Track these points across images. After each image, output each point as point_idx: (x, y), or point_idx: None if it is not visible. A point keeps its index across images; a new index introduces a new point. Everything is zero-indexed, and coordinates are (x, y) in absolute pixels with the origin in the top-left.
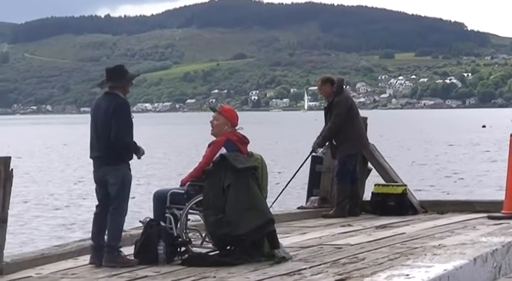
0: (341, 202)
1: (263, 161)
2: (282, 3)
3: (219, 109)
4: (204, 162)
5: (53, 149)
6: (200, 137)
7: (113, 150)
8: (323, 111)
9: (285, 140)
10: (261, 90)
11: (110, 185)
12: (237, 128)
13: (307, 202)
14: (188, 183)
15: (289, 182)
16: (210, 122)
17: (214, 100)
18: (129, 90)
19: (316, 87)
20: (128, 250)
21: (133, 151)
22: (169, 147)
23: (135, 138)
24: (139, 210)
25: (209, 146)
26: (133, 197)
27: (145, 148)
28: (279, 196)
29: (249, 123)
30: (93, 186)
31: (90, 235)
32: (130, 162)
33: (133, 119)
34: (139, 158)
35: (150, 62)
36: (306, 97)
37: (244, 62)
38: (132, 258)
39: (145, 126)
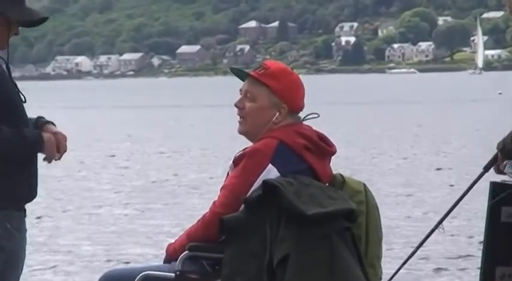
0: None
1: (369, 197)
2: None
3: (257, 71)
4: (224, 202)
5: None
6: (214, 142)
7: None
8: None
9: (423, 143)
10: (363, 21)
11: None
12: (301, 115)
13: None
14: (185, 253)
15: (429, 235)
16: (236, 105)
17: (246, 48)
18: (10, 35)
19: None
20: None
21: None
22: (137, 170)
23: None
24: None
25: (235, 163)
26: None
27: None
28: (402, 265)
29: (333, 104)
30: None
31: None
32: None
33: (22, 96)
34: (48, 159)
35: None
36: (479, 37)
37: None
38: None
39: (74, 113)
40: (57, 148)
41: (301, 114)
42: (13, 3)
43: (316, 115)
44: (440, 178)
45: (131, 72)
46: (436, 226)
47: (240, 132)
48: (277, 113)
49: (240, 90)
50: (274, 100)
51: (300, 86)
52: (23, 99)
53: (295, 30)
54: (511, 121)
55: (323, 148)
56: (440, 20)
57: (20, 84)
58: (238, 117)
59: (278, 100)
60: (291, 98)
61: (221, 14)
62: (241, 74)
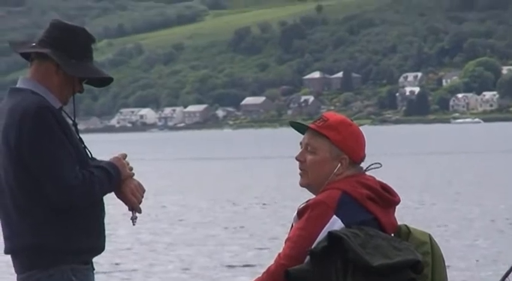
0: None
1: (435, 248)
2: None
3: (316, 123)
4: (289, 253)
5: None
6: (279, 194)
7: (35, 228)
8: None
9: (490, 193)
10: (427, 71)
11: None
12: (363, 165)
13: None
14: None
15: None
16: (297, 158)
17: (310, 99)
18: (77, 91)
19: None
20: None
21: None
22: (203, 224)
23: None
24: None
25: (299, 214)
26: None
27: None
28: None
29: (398, 154)
30: None
31: None
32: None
33: (88, 153)
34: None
35: (150, 4)
36: None
37: (384, 2)
38: None
39: (139, 165)
40: (135, 193)
41: (364, 165)
42: (76, 60)
43: (379, 165)
44: (507, 228)
45: (195, 124)
46: (503, 279)
47: (302, 185)
48: (339, 165)
49: (300, 143)
50: (335, 151)
51: (360, 136)
52: (89, 155)
53: (359, 80)
54: None
55: (387, 198)
56: (505, 70)
57: (85, 137)
58: (299, 170)
59: (339, 151)
60: (352, 148)
61: (285, 65)
62: (300, 127)
